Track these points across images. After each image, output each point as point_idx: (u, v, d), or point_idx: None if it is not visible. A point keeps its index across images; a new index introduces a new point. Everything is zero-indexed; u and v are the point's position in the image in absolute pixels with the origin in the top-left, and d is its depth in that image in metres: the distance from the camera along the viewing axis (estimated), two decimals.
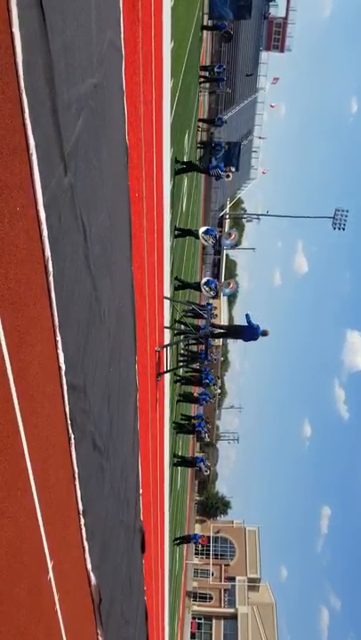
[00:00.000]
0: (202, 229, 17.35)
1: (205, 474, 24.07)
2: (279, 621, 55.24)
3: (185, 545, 34.40)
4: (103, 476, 6.50)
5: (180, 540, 27.25)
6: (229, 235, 22.28)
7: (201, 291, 17.56)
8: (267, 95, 62.35)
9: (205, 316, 15.50)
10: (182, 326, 16.49)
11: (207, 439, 26.01)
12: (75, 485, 5.13)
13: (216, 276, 66.10)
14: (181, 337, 14.88)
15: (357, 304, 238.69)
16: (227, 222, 64.96)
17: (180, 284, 17.15)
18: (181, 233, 16.92)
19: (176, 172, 15.18)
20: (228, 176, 21.75)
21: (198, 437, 24.92)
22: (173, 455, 20.97)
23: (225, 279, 61.05)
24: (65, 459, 4.77)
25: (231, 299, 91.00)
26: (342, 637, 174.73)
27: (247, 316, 12.76)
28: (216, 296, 19.21)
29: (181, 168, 16.15)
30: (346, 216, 49.63)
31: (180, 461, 22.41)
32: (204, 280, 17.62)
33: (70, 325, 4.55)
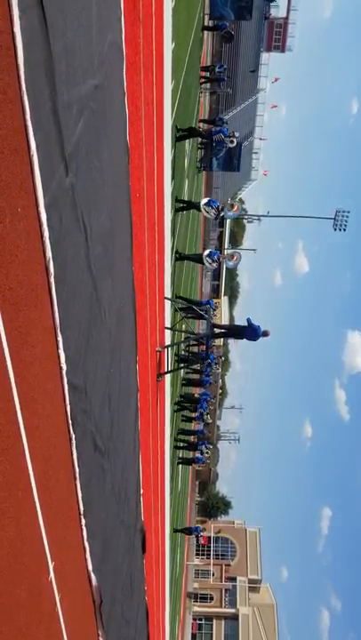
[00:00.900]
0: (203, 200, 16.93)
1: (206, 455, 23.76)
2: (280, 622, 55.27)
3: (186, 542, 34.25)
4: (104, 477, 6.50)
5: (181, 530, 27.06)
6: (232, 206, 21.78)
7: (203, 262, 17.16)
8: (267, 96, 62.42)
9: (206, 316, 15.50)
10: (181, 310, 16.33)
11: (209, 420, 25.40)
12: (75, 486, 5.13)
13: (217, 274, 66.14)
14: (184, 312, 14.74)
15: (358, 305, 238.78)
16: (227, 223, 65.01)
17: (179, 256, 16.73)
18: (183, 206, 16.47)
19: (177, 139, 14.87)
20: (232, 142, 21.08)
21: (200, 418, 24.43)
22: (175, 439, 20.65)
23: (223, 293, 60.91)
24: (66, 459, 4.77)
25: (232, 299, 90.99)
26: (343, 638, 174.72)
27: (248, 320, 12.81)
28: (218, 268, 18.72)
29: (183, 135, 15.77)
30: (347, 217, 49.75)
31: (181, 446, 22.09)
32: (206, 252, 17.19)
33: (71, 326, 4.55)
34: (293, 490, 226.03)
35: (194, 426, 26.66)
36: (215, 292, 66.21)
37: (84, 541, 5.65)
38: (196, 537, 30.01)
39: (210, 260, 16.78)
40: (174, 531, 24.10)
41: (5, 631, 3.46)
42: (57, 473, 4.43)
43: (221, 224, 63.27)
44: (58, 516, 4.56)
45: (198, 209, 16.90)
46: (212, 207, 16.71)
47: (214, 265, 17.41)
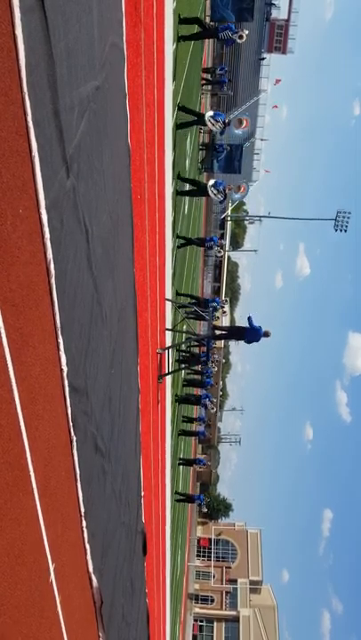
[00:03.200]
0: (209, 113, 16.09)
1: (212, 411, 22.87)
2: (281, 624, 55.24)
3: (187, 543, 33.92)
4: (105, 478, 6.50)
5: (183, 498, 26.00)
6: (240, 122, 19.81)
7: (208, 194, 16.20)
8: (269, 97, 62.52)
9: (207, 317, 15.49)
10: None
11: (214, 368, 24.04)
12: (76, 487, 5.13)
13: (218, 277, 66.18)
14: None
15: (360, 306, 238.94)
16: (228, 224, 65.06)
17: (184, 184, 15.64)
18: (185, 124, 15.45)
19: (181, 38, 14.15)
20: (240, 37, 19.22)
21: (206, 377, 23.11)
22: (176, 395, 19.96)
23: (224, 295, 60.60)
24: (66, 461, 4.77)
25: (233, 301, 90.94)
26: None
27: (249, 318, 12.82)
28: (225, 200, 16.86)
29: (187, 20, 14.94)
30: (348, 218, 49.77)
31: (181, 399, 21.23)
32: (211, 182, 16.29)
33: (72, 327, 4.55)
34: (294, 492, 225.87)
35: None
36: (216, 293, 66.24)
37: (85, 543, 5.65)
38: (199, 505, 28.53)
39: (215, 191, 15.91)
40: (176, 499, 22.89)
41: (6, 633, 3.46)
42: (58, 474, 4.43)
43: (222, 226, 63.27)
44: (58, 518, 4.56)
45: (203, 123, 15.89)
46: (219, 120, 15.81)
47: (219, 197, 16.44)
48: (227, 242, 65.67)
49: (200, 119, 16.02)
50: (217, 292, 66.12)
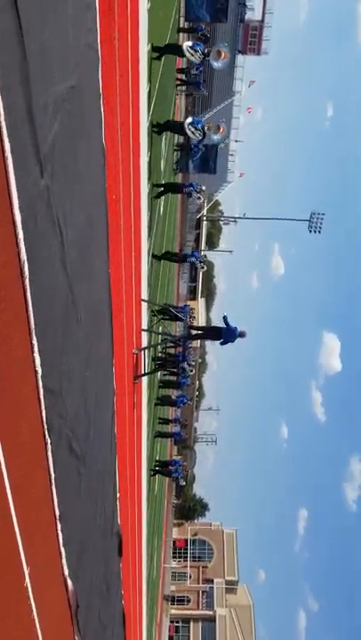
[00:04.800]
0: (187, 43, 16.10)
1: (191, 373, 22.41)
2: (257, 623, 55.54)
3: (163, 544, 33.73)
4: (80, 481, 6.45)
5: (159, 469, 23.23)
6: (219, 53, 19.41)
7: (185, 132, 15.93)
8: (243, 98, 62.90)
9: (183, 317, 15.52)
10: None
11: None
12: (51, 490, 5.08)
13: (194, 278, 66.27)
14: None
15: (334, 306, 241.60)
16: (204, 224, 65.27)
17: (158, 127, 15.13)
18: (166, 51, 14.90)
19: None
20: None
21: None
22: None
23: (200, 295, 59.95)
24: (41, 464, 4.73)
25: (209, 300, 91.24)
26: (320, 639, 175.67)
27: (225, 317, 12.87)
28: (203, 139, 16.30)
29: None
30: (322, 219, 50.33)
31: (161, 366, 20.56)
32: (188, 119, 15.99)
33: (46, 329, 4.51)
34: (270, 491, 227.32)
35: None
36: (192, 293, 66.45)
37: (60, 546, 5.61)
38: (176, 479, 25.92)
39: (192, 129, 15.60)
40: (151, 472, 20.79)
41: None
42: (32, 477, 4.39)
43: (198, 226, 63.39)
44: (33, 521, 4.51)
45: (182, 54, 15.86)
46: (197, 50, 15.73)
47: (197, 135, 16.03)
48: (203, 242, 65.86)
49: (178, 50, 15.96)
50: (193, 291, 66.33)
